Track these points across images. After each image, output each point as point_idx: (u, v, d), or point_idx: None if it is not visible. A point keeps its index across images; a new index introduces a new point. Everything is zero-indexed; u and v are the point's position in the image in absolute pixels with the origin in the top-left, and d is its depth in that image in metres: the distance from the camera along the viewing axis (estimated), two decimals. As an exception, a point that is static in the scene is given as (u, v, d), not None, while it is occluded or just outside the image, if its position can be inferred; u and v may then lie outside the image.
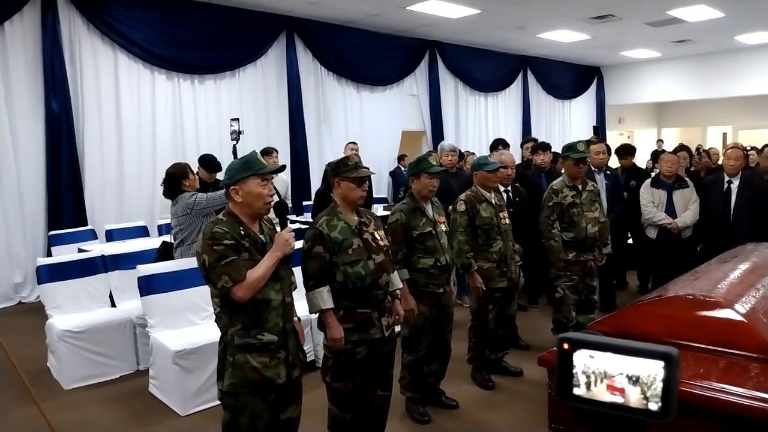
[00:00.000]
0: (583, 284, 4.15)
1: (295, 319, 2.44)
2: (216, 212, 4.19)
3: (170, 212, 4.24)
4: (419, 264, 3.26)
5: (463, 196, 3.81)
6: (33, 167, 6.26)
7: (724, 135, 15.24)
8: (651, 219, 5.21)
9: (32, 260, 5.64)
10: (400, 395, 3.36)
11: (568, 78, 13.09)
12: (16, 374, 4.15)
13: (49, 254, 5.77)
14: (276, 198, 3.11)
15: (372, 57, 9.23)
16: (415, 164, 3.33)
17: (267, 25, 7.98)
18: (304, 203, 7.70)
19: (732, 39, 10.54)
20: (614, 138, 14.11)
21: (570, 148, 4.13)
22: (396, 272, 2.90)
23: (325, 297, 2.58)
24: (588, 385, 1.10)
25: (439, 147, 5.72)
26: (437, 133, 10.21)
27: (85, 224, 6.37)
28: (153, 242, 5.31)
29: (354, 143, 6.90)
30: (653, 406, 1.04)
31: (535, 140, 6.40)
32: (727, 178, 5.04)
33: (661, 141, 13.35)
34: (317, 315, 2.66)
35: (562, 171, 4.30)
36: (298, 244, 2.55)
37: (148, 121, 7.05)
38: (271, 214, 3.48)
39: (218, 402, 3.47)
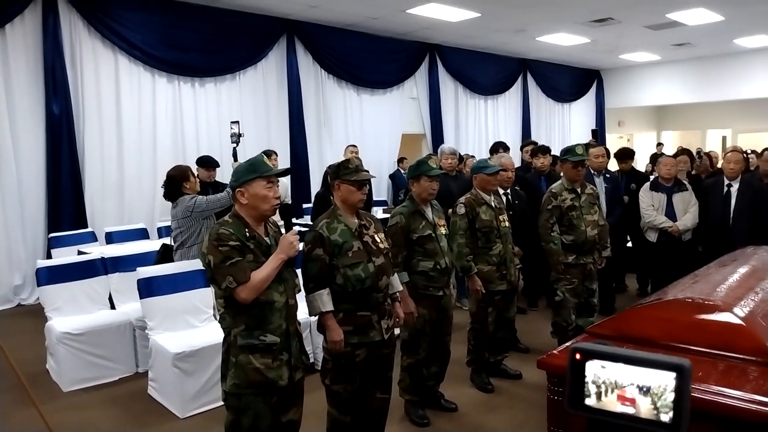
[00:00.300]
0: (582, 287, 4.15)
1: None
2: (216, 215, 4.20)
3: (170, 214, 4.24)
4: (419, 267, 3.27)
5: (462, 199, 3.82)
6: (33, 169, 6.27)
7: (724, 138, 15.25)
8: (652, 222, 5.21)
9: (32, 262, 5.65)
10: (399, 398, 3.36)
11: (568, 81, 13.12)
12: (15, 376, 4.15)
13: (48, 256, 5.76)
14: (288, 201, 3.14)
15: (372, 60, 9.25)
16: (415, 167, 3.34)
17: (267, 28, 8.01)
18: (304, 206, 7.70)
19: (731, 42, 10.56)
20: (614, 141, 14.12)
21: (568, 151, 4.13)
22: (396, 275, 2.91)
23: (325, 300, 2.58)
24: (599, 395, 1.10)
25: (439, 150, 5.73)
26: (437, 136, 10.23)
27: (85, 226, 6.38)
28: (153, 245, 5.31)
29: (354, 146, 6.91)
30: (664, 417, 1.03)
31: (535, 143, 6.40)
32: (726, 182, 5.04)
33: (661, 144, 13.34)
34: (317, 318, 2.66)
35: (561, 174, 4.30)
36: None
37: (149, 123, 7.06)
38: (276, 217, 3.48)
39: (218, 404, 3.52)
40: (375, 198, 7.85)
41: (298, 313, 2.43)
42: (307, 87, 8.53)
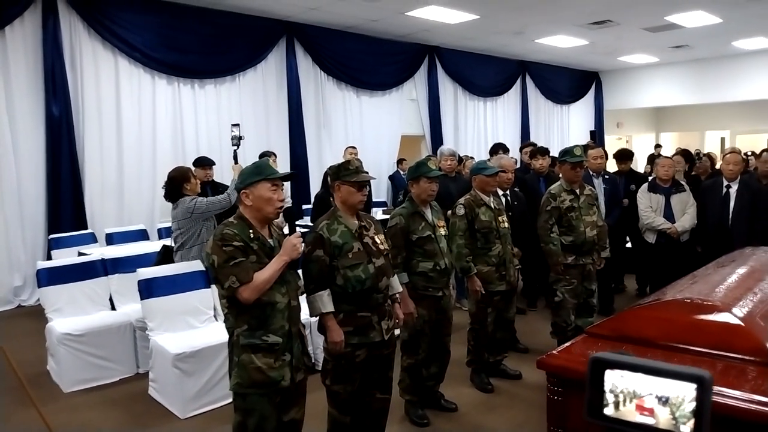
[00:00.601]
0: (581, 288, 4.16)
1: None
2: (216, 217, 4.22)
3: (171, 216, 4.25)
4: (418, 268, 3.28)
5: (462, 200, 3.83)
6: (33, 171, 6.27)
7: (722, 140, 15.29)
8: (651, 224, 5.22)
9: (32, 263, 5.65)
10: (399, 398, 3.36)
11: (567, 83, 13.14)
12: (16, 377, 4.17)
13: (49, 258, 5.76)
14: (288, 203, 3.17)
15: (371, 62, 9.26)
16: (414, 168, 3.35)
17: (267, 30, 8.02)
18: (304, 207, 7.71)
19: (729, 44, 10.59)
20: (613, 142, 14.14)
21: (567, 152, 4.15)
22: (395, 276, 2.92)
23: (326, 300, 2.59)
24: (616, 405, 1.09)
25: (438, 151, 5.74)
26: (436, 138, 10.24)
27: (85, 228, 6.37)
28: (153, 246, 5.32)
29: (353, 147, 6.92)
30: (684, 428, 1.02)
31: (534, 145, 6.42)
32: (725, 183, 5.05)
33: (660, 146, 13.37)
34: (317, 318, 2.67)
35: (560, 175, 4.32)
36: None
37: (149, 125, 7.06)
38: (280, 219, 3.51)
39: (218, 405, 3.54)
40: (374, 199, 7.85)
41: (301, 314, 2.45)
42: (306, 89, 8.54)
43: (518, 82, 12.00)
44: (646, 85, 13.16)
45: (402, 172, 9.23)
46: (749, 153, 8.05)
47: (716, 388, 1.87)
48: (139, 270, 3.94)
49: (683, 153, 6.63)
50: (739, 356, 2.04)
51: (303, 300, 2.52)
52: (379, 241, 2.75)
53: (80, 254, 5.25)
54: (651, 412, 1.05)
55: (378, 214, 6.56)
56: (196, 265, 4.06)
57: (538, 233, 4.21)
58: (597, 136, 13.28)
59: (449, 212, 3.81)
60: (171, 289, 3.90)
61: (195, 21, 7.27)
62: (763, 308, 2.35)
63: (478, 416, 3.53)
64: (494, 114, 11.65)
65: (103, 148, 6.72)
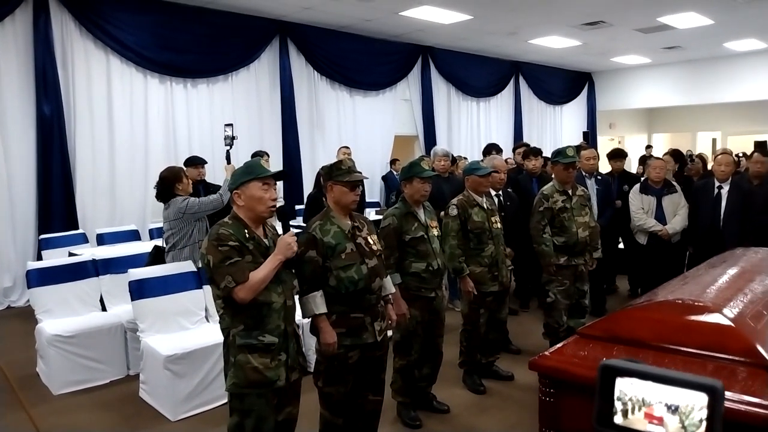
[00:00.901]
0: (574, 288, 4.18)
1: None
2: (208, 217, 4.20)
3: (162, 216, 4.23)
4: (411, 268, 3.27)
5: (455, 200, 3.83)
6: (24, 170, 6.21)
7: (714, 141, 15.38)
8: (642, 226, 5.24)
9: (22, 264, 5.59)
10: (391, 400, 3.36)
11: (560, 84, 13.18)
12: (5, 379, 4.14)
13: (39, 258, 5.71)
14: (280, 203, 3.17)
15: (365, 62, 9.25)
16: (407, 169, 3.35)
17: (260, 30, 7.99)
18: (297, 207, 7.69)
19: (721, 46, 10.65)
20: (605, 143, 14.20)
21: (559, 153, 4.16)
22: (388, 277, 2.91)
23: (318, 301, 2.57)
24: (625, 413, 1.07)
25: (431, 152, 5.74)
26: (430, 138, 10.24)
27: (76, 228, 6.32)
28: (144, 246, 5.28)
29: (347, 147, 6.91)
30: None
31: (527, 145, 6.43)
32: (717, 184, 5.08)
33: (650, 147, 13.43)
34: (310, 320, 2.66)
35: (553, 176, 4.32)
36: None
37: (141, 124, 7.02)
38: (274, 219, 3.48)
39: (210, 407, 3.52)
40: (368, 199, 7.84)
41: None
42: (299, 88, 8.52)
43: (511, 82, 12.02)
44: (638, 86, 13.22)
45: (395, 173, 9.22)
46: (740, 154, 8.10)
47: (707, 390, 1.87)
48: (131, 270, 3.92)
49: (673, 153, 6.65)
50: (730, 357, 2.04)
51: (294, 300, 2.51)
52: (372, 242, 2.74)
53: (71, 255, 5.21)
54: (660, 421, 1.03)
55: (371, 214, 6.55)
56: (188, 266, 4.04)
57: (530, 234, 4.22)
58: (589, 137, 13.32)
59: (442, 213, 3.80)
60: (162, 290, 3.88)
61: (187, 20, 7.23)
62: (754, 309, 2.36)
63: (471, 417, 3.53)
64: (487, 114, 11.67)
65: (94, 147, 6.67)
